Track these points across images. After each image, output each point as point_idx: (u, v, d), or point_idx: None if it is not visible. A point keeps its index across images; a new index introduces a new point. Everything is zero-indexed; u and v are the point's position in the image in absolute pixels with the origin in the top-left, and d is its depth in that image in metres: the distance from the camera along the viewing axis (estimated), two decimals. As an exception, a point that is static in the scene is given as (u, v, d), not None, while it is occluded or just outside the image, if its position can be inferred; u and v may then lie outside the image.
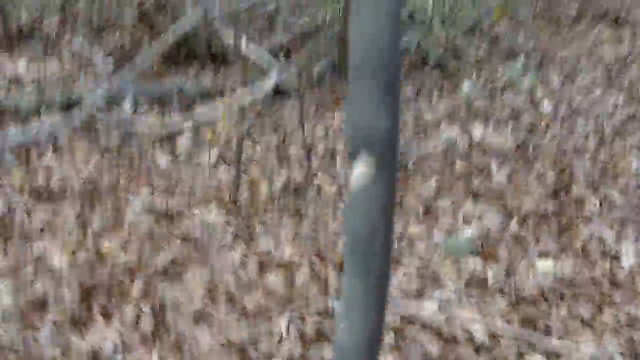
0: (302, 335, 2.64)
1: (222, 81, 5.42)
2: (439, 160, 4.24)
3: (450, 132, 4.67)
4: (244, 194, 3.73)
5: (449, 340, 2.59)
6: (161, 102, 4.99)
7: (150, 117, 4.83)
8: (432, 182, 3.94)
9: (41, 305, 2.83)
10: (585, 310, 2.80)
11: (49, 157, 4.23)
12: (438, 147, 4.43)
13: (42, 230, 3.43)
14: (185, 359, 2.50)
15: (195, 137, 4.55)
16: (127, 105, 4.89)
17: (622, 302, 2.88)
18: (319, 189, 3.85)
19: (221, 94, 5.00)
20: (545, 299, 2.88)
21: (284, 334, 2.64)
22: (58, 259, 3.13)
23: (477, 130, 4.68)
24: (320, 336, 2.64)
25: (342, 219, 3.53)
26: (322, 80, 5.46)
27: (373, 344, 1.30)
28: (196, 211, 3.59)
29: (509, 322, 2.70)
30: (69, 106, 4.85)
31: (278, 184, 3.90)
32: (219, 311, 2.78)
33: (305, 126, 4.24)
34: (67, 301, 2.84)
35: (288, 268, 3.08)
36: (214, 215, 3.55)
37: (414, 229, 3.45)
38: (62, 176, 3.97)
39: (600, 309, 2.81)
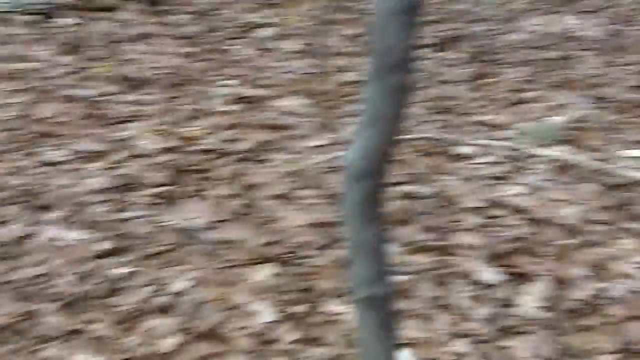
0: (389, 216, 2.64)
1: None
2: (529, 49, 4.10)
3: (540, 21, 4.50)
4: (329, 84, 3.71)
5: (538, 223, 2.55)
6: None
7: (232, 7, 4.81)
8: (521, 72, 3.82)
9: (131, 185, 2.91)
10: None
11: (136, 48, 4.29)
12: (528, 36, 4.27)
13: (132, 116, 3.51)
14: (272, 235, 2.55)
15: (278, 27, 4.53)
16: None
17: None
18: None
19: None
20: None
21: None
22: (147, 143, 3.20)
23: (568, 20, 4.48)
24: (405, 222, 2.64)
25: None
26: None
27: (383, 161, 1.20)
28: (281, 101, 3.59)
29: (602, 207, 2.64)
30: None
31: (363, 73, 3.85)
32: (306, 193, 2.81)
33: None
34: (156, 182, 2.91)
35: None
36: (298, 104, 3.55)
37: (501, 117, 3.37)
38: (151, 65, 4.02)
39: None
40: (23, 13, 4.76)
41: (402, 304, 2.24)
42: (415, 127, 3.27)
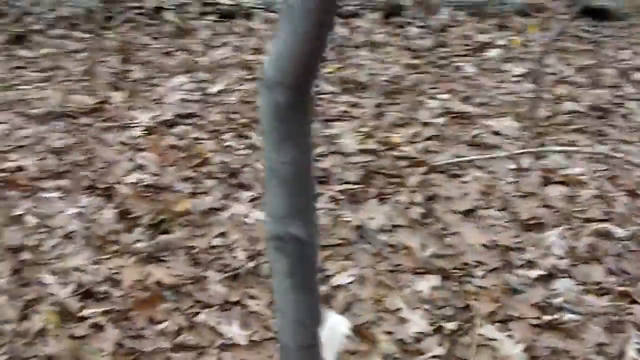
0: (572, 252, 2.49)
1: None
2: None
3: None
4: (544, 110, 3.56)
5: None
6: (476, 13, 4.91)
7: (464, 26, 4.79)
8: None
9: (323, 179, 2.98)
10: None
11: (362, 54, 4.40)
12: None
13: (341, 116, 3.60)
14: (443, 249, 2.50)
15: (505, 49, 4.43)
16: (444, 13, 4.89)
17: None
18: (627, 115, 3.54)
19: (538, 10, 4.79)
20: None
21: (553, 247, 2.51)
22: (349, 142, 3.27)
23: None
24: (593, 257, 2.47)
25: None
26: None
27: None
28: (488, 120, 3.50)
29: None
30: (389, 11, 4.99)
31: (583, 104, 3.66)
32: (490, 213, 2.72)
33: (628, 50, 3.91)
34: (346, 179, 2.97)
35: (572, 185, 2.91)
36: (506, 126, 3.44)
37: None
38: (370, 71, 4.11)
39: None
40: (266, 10, 5.06)
41: (564, 344, 2.10)
42: (624, 163, 3.05)
